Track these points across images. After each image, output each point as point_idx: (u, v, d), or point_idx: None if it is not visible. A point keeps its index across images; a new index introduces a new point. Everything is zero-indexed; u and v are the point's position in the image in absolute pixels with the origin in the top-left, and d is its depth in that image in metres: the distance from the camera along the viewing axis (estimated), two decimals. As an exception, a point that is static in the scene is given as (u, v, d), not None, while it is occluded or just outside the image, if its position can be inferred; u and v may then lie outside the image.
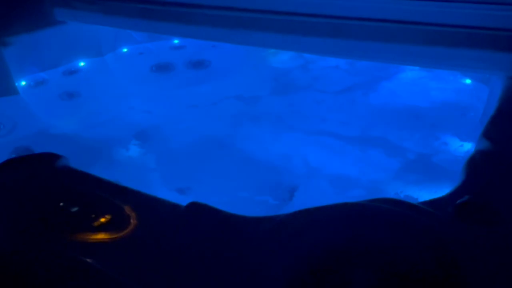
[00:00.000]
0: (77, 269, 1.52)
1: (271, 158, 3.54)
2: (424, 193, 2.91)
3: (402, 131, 3.58)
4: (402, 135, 3.52)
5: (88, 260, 1.54)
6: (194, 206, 1.75)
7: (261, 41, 3.90)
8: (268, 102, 4.30)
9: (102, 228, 1.67)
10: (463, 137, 3.34)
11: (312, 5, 3.40)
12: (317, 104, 4.16)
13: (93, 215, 1.72)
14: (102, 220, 1.70)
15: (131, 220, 1.69)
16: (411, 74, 4.22)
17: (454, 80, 4.00)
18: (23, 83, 4.15)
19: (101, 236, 1.62)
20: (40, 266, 1.53)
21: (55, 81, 4.29)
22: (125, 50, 4.90)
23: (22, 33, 4.03)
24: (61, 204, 1.78)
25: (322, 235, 1.54)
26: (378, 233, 1.49)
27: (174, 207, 1.79)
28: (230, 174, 3.42)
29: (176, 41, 5.13)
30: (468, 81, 3.88)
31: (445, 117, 3.63)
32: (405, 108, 3.85)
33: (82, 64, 4.53)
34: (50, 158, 2.03)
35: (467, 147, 3.20)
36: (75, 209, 1.75)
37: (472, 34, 2.84)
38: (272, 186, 3.24)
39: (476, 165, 1.94)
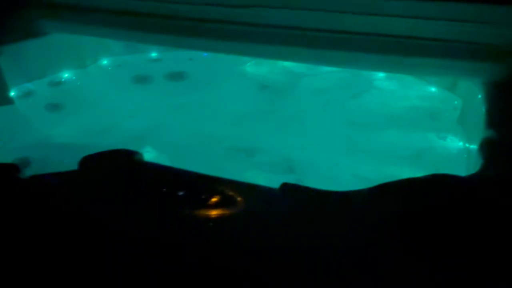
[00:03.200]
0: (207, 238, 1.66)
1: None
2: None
3: (379, 132, 4.01)
4: (381, 135, 3.95)
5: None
6: (287, 186, 1.96)
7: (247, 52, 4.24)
8: (250, 110, 4.56)
9: (217, 205, 1.82)
10: (440, 135, 3.81)
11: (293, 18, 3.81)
12: (301, 111, 4.46)
13: (203, 196, 1.87)
14: (214, 199, 1.85)
15: (238, 199, 1.86)
16: (381, 83, 4.69)
17: (420, 88, 4.51)
18: (12, 93, 4.08)
19: (221, 211, 1.78)
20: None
21: (42, 91, 4.26)
22: (105, 62, 4.95)
23: (8, 43, 3.97)
24: (164, 189, 1.90)
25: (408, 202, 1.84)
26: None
27: (266, 188, 1.99)
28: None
29: (153, 54, 5.25)
30: (433, 88, 4.47)
31: (418, 119, 4.09)
32: (380, 113, 4.36)
33: (66, 75, 4.53)
34: (127, 154, 2.13)
35: (444, 143, 3.72)
36: (181, 193, 1.88)
37: (453, 46, 3.40)
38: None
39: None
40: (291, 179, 2.47)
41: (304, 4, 3.73)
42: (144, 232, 1.69)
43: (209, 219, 1.78)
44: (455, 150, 3.55)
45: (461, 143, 3.60)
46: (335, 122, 4.24)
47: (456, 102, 4.07)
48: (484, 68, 3.27)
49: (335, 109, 4.39)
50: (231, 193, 1.93)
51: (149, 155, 4.00)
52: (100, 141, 4.12)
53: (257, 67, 5.18)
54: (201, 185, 1.98)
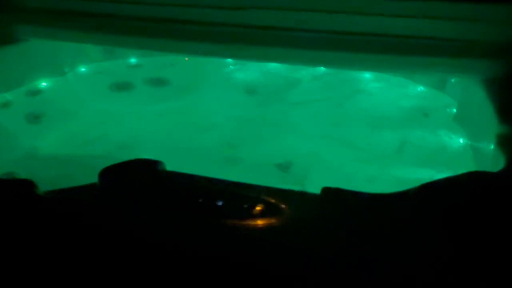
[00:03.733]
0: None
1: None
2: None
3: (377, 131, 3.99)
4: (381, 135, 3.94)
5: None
6: (329, 190, 1.87)
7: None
8: (237, 116, 4.43)
9: (261, 215, 1.70)
10: (436, 132, 3.84)
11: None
12: (291, 113, 4.37)
13: (245, 205, 1.74)
14: (259, 208, 1.73)
15: (282, 206, 1.75)
16: (370, 84, 4.68)
17: (409, 87, 4.53)
18: (-12, 104, 3.79)
19: (268, 220, 1.66)
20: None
21: (20, 101, 3.97)
22: (83, 69, 4.69)
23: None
24: (200, 200, 1.76)
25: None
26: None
27: (307, 194, 1.89)
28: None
29: (132, 60, 5.04)
30: (420, 87, 4.53)
31: (411, 118, 4.12)
32: (374, 114, 4.31)
33: (44, 83, 4.25)
34: (150, 163, 1.98)
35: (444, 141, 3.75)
36: (220, 203, 1.75)
37: (449, 45, 3.43)
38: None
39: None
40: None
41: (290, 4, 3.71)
42: (191, 247, 1.55)
43: (257, 229, 1.66)
44: (458, 148, 3.58)
45: (461, 140, 3.62)
46: (328, 125, 4.22)
47: (447, 100, 4.16)
48: (483, 65, 3.33)
49: (328, 111, 4.37)
50: (272, 200, 1.83)
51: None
52: (87, 152, 3.89)
53: (242, 71, 5.06)
54: (237, 193, 1.87)
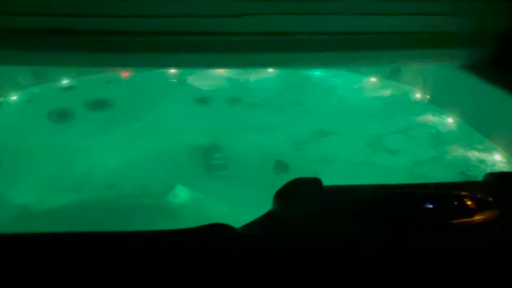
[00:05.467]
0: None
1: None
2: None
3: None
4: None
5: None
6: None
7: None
8: (193, 129, 4.06)
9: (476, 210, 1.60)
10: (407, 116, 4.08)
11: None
12: (255, 120, 4.19)
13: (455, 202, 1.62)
14: (469, 203, 1.62)
15: (490, 200, 1.68)
16: (328, 81, 4.72)
17: (359, 80, 4.70)
18: None
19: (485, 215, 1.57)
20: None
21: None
22: (15, 97, 3.79)
23: None
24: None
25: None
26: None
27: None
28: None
29: (64, 81, 4.25)
30: (373, 79, 4.69)
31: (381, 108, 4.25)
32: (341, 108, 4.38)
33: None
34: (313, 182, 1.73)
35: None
36: (430, 205, 1.60)
37: (432, 38, 3.66)
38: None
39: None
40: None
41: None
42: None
43: (479, 224, 1.56)
44: (439, 127, 3.81)
45: (444, 120, 3.89)
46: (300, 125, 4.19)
47: (405, 88, 4.43)
48: (460, 54, 3.68)
49: (295, 113, 4.33)
50: (478, 195, 1.73)
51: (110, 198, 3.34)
52: (57, 197, 3.23)
53: (191, 80, 4.70)
54: (429, 194, 1.74)
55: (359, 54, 3.55)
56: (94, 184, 3.32)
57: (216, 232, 1.55)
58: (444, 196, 1.68)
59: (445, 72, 3.84)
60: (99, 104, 4.21)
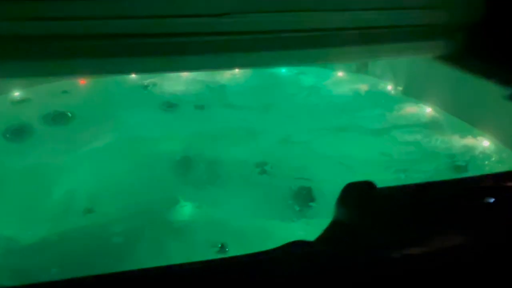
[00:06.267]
0: None
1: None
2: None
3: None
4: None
5: None
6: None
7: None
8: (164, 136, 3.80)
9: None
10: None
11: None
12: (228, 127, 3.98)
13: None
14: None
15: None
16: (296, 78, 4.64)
17: (328, 74, 4.69)
18: None
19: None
20: None
21: None
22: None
23: None
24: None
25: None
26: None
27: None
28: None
29: (16, 93, 3.78)
30: (340, 73, 4.68)
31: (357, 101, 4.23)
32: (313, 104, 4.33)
33: None
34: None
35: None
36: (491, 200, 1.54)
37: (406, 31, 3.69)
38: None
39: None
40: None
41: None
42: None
43: None
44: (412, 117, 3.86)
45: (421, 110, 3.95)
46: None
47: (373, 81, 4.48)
48: (434, 45, 3.72)
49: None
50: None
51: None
52: (31, 232, 2.84)
53: (155, 85, 4.40)
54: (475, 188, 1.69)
55: (336, 50, 3.49)
56: (72, 210, 3.00)
57: (298, 249, 1.44)
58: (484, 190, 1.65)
59: (418, 64, 3.89)
60: (58, 117, 3.81)
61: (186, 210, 3.14)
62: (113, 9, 2.94)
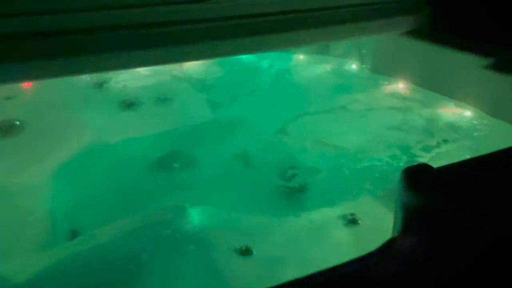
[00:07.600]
0: None
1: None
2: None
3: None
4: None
5: None
6: None
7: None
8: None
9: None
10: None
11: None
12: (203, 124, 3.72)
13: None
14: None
15: None
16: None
17: (290, 58, 4.55)
18: None
19: None
20: None
21: None
22: None
23: None
24: None
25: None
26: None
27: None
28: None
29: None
30: (301, 56, 4.57)
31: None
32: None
33: None
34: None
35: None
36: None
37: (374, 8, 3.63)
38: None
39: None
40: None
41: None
42: None
43: None
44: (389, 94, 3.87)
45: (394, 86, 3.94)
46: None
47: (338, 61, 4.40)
48: (399, 22, 3.71)
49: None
50: None
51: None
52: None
53: (109, 82, 3.95)
54: None
55: (301, 33, 3.32)
56: (53, 232, 2.62)
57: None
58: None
59: (384, 41, 3.89)
60: (5, 129, 3.32)
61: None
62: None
